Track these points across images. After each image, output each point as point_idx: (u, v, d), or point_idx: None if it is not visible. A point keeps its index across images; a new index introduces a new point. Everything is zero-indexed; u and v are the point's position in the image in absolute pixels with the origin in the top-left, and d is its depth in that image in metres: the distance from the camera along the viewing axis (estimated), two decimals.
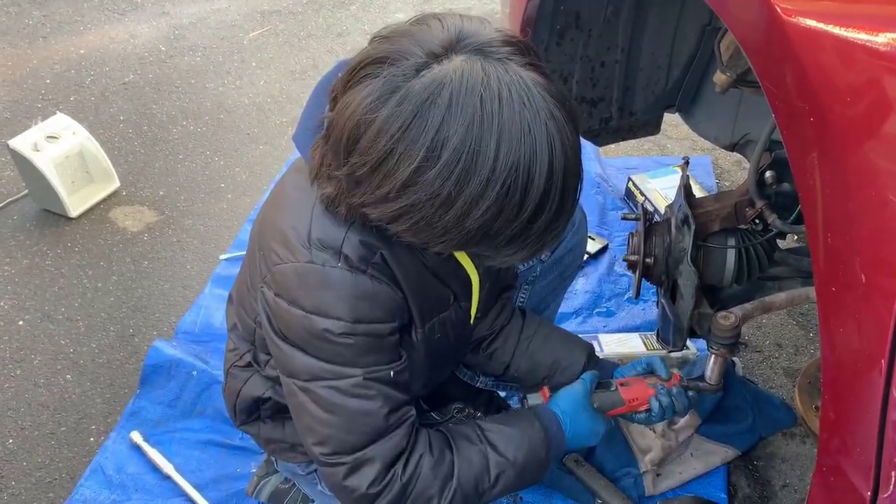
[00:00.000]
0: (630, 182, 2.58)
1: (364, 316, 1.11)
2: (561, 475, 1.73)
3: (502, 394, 1.86)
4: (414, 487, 1.19)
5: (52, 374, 2.13)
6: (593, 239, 2.39)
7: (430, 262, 1.21)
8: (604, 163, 2.80)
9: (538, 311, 1.69)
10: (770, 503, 1.72)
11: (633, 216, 1.66)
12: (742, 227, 1.55)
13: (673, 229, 1.55)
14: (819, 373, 2.00)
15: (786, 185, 1.45)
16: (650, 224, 1.59)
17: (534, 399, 1.46)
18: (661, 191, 2.50)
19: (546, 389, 1.45)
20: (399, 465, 1.18)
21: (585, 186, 2.61)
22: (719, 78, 1.40)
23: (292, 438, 1.43)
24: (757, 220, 1.49)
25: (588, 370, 1.49)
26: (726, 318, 1.43)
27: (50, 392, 2.08)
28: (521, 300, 1.68)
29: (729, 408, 1.81)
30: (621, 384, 1.45)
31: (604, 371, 1.51)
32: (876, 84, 0.87)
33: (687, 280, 1.47)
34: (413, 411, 1.23)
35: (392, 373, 1.17)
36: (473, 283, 1.33)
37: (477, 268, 1.31)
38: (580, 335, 2.05)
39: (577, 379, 1.44)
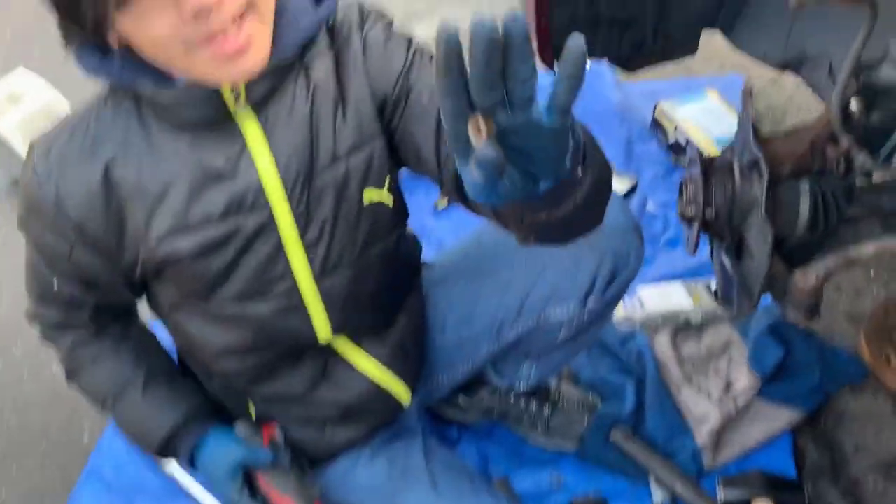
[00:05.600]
0: (657, 109, 2.32)
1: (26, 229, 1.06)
2: (608, 450, 1.56)
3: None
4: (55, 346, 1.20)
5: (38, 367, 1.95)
6: (620, 178, 2.16)
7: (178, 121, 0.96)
8: (625, 89, 2.52)
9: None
10: (844, 469, 1.54)
11: (687, 161, 1.42)
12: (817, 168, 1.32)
13: (736, 175, 1.32)
14: (888, 317, 1.80)
15: (875, 116, 1.22)
16: (708, 169, 1.36)
17: None
18: (692, 119, 2.25)
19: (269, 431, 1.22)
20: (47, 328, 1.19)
21: (607, 119, 2.39)
22: None
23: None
24: (839, 160, 1.26)
25: None
26: (806, 279, 1.22)
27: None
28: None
29: (792, 365, 1.62)
30: (267, 480, 1.14)
31: None
32: None
33: (759, 236, 1.24)
34: (93, 326, 1.16)
35: (56, 285, 1.09)
36: (252, 149, 0.97)
37: (268, 133, 0.98)
38: None
39: None
